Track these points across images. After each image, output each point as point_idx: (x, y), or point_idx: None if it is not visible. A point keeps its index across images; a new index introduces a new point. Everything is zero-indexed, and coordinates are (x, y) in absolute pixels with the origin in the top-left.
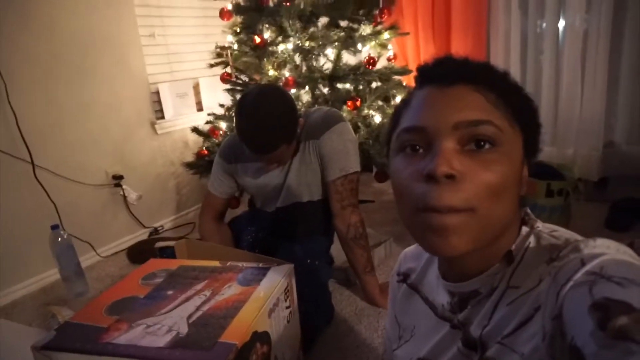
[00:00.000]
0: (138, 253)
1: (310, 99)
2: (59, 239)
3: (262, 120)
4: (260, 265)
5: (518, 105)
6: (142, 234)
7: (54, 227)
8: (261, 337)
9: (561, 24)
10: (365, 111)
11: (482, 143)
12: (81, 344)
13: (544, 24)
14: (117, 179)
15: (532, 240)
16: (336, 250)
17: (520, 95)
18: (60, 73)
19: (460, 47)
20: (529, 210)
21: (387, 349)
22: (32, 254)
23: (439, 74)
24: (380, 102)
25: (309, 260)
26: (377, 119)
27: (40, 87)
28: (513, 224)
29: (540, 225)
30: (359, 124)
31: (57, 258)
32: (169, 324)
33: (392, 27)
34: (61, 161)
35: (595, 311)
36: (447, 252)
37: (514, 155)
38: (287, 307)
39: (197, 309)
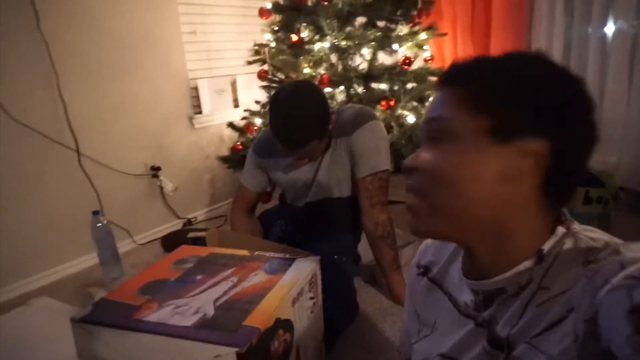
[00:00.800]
0: (171, 242)
1: (344, 98)
2: (99, 224)
3: (294, 116)
4: (287, 256)
5: (523, 106)
6: (176, 224)
7: (95, 213)
8: (284, 324)
9: (608, 29)
10: (399, 111)
11: (432, 137)
12: (115, 319)
13: (589, 29)
14: (155, 170)
15: (568, 241)
16: (363, 248)
17: (530, 96)
18: (107, 69)
19: (499, 51)
20: (566, 212)
21: (403, 342)
22: (74, 237)
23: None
24: (414, 103)
25: (335, 256)
26: (411, 119)
27: (88, 81)
28: (526, 223)
29: (577, 226)
30: (392, 123)
31: (96, 242)
32: (196, 305)
33: (430, 28)
34: (104, 151)
35: (633, 315)
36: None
37: (470, 149)
38: (311, 298)
39: (224, 293)
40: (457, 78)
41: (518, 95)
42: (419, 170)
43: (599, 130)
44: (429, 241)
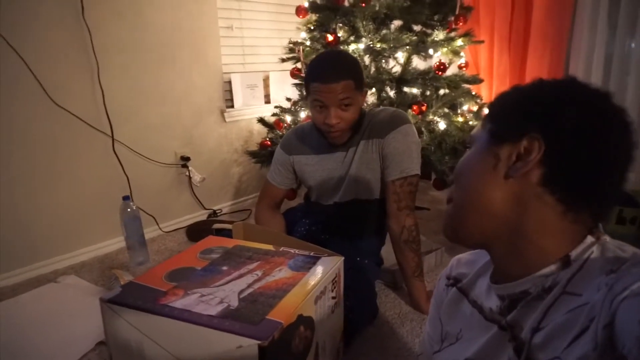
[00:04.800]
0: (196, 232)
1: (375, 101)
2: (128, 209)
3: (335, 52)
4: (312, 254)
5: None
6: (201, 215)
7: (125, 198)
8: (305, 321)
9: None
10: (430, 117)
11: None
12: (142, 302)
13: (633, 44)
14: (185, 160)
15: (596, 250)
16: (386, 252)
17: None
18: (145, 60)
19: (536, 61)
20: (600, 227)
21: (424, 351)
22: (103, 220)
23: None
24: (446, 110)
25: (358, 258)
26: (442, 125)
27: (126, 70)
28: (545, 227)
29: (607, 238)
30: (423, 129)
31: (124, 227)
32: (221, 295)
33: (467, 35)
34: (137, 139)
35: None
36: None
37: (478, 149)
38: (333, 298)
39: (248, 286)
40: (489, 105)
41: (510, 103)
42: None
43: (624, 148)
44: (461, 255)
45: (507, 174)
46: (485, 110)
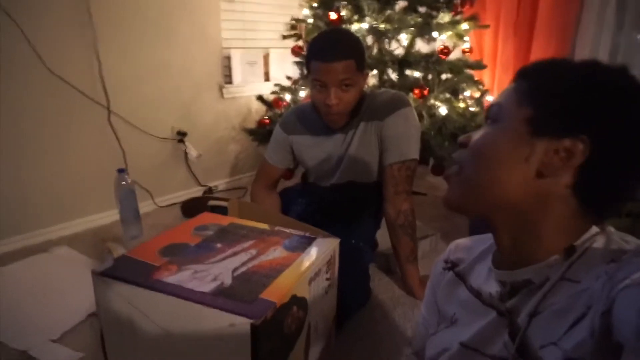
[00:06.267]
0: (191, 208)
1: (377, 83)
2: (123, 182)
3: (338, 30)
4: (307, 234)
5: None
6: (196, 191)
7: (120, 171)
8: (299, 302)
9: None
10: (432, 101)
11: (488, 121)
12: (135, 276)
13: (639, 37)
14: (181, 135)
15: (600, 240)
16: (381, 236)
17: None
18: (144, 32)
19: (541, 50)
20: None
21: (418, 334)
22: (97, 192)
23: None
24: (447, 95)
25: (353, 241)
26: (443, 110)
27: (124, 41)
28: (558, 223)
29: (612, 229)
30: (424, 113)
31: (119, 200)
32: (215, 272)
33: (472, 18)
34: (134, 111)
35: None
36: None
37: (509, 133)
38: (327, 279)
39: (243, 264)
40: (522, 73)
41: (560, 94)
42: (468, 146)
43: None
44: (459, 240)
45: (542, 171)
46: (488, 98)
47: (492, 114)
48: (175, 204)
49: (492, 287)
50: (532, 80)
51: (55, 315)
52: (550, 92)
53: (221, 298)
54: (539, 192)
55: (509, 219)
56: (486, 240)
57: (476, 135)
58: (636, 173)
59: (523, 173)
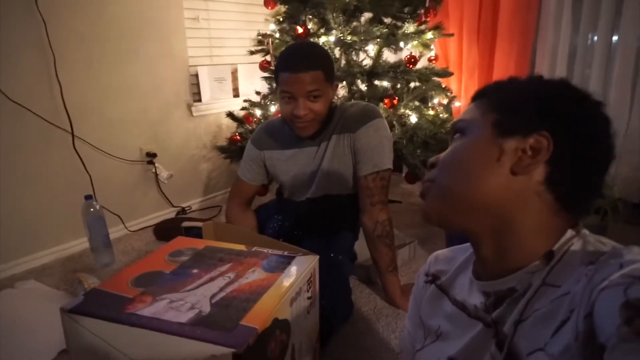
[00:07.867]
0: (164, 231)
1: (346, 94)
2: (91, 209)
3: (307, 42)
4: (286, 253)
5: None
6: (169, 213)
7: (88, 197)
8: (281, 325)
9: (615, 38)
10: (402, 110)
11: (454, 137)
12: (107, 311)
13: (596, 38)
14: (151, 157)
15: (577, 243)
16: (360, 247)
17: None
18: (107, 53)
19: (504, 54)
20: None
21: (405, 349)
22: (65, 221)
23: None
24: (417, 103)
25: (332, 254)
26: (413, 119)
27: (86, 64)
28: (536, 225)
29: (587, 232)
30: (394, 122)
31: (87, 227)
32: (192, 301)
33: (437, 28)
34: (99, 135)
35: (625, 309)
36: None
37: (478, 138)
38: (309, 298)
39: (221, 289)
40: (481, 93)
41: (520, 98)
42: (437, 164)
43: (613, 147)
44: (439, 252)
45: (514, 170)
46: (456, 104)
47: (459, 127)
48: (147, 227)
49: (476, 299)
50: (491, 96)
51: (23, 355)
52: (511, 98)
53: (200, 328)
54: (515, 190)
55: (490, 224)
56: (466, 249)
57: (445, 152)
58: (596, 166)
59: (497, 173)
